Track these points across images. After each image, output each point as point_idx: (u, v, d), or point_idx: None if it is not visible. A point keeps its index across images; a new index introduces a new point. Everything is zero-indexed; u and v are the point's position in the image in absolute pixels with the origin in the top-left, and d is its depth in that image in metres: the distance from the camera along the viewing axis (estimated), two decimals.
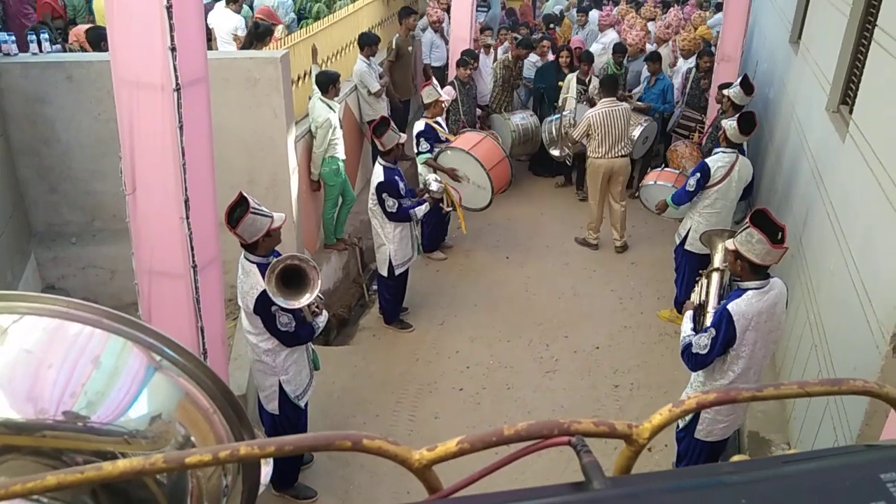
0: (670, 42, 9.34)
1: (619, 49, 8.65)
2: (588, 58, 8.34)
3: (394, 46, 8.57)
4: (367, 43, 7.68)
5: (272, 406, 4.12)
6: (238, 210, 3.59)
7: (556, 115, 8.20)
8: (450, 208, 6.40)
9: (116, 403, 0.91)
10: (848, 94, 5.14)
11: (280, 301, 3.56)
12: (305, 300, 3.57)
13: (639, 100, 8.12)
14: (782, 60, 7.97)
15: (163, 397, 1.00)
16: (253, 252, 3.76)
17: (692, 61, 8.35)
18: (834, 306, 4.31)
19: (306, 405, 4.28)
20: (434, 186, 5.88)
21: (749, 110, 5.75)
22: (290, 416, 4.16)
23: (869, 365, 3.52)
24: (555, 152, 8.24)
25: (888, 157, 3.79)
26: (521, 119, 8.56)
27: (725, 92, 6.45)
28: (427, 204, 5.75)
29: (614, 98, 6.99)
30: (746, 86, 6.31)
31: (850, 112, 4.78)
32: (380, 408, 5.22)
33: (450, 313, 6.35)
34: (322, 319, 4.11)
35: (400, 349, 5.91)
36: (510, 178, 6.95)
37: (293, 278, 3.58)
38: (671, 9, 11.06)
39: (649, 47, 9.24)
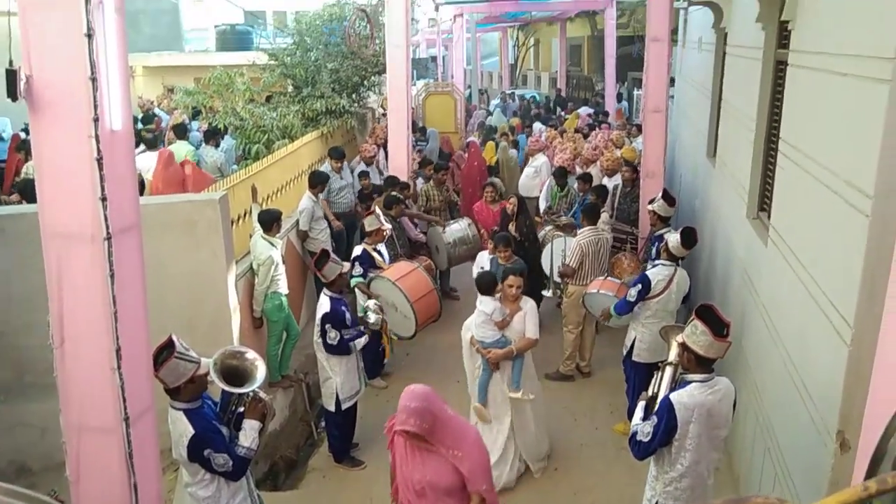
0: (598, 162, 9.85)
1: (560, 173, 9.08)
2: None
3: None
4: (319, 182, 8.05)
5: None
6: (164, 353, 3.52)
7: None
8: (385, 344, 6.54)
9: None
10: (765, 201, 5.44)
11: (225, 387, 3.72)
12: (248, 387, 3.79)
13: (572, 216, 8.40)
14: (703, 173, 8.44)
15: None
16: (176, 398, 3.65)
17: (617, 178, 8.80)
18: (779, 408, 4.35)
19: None
20: (372, 318, 5.86)
21: (691, 226, 5.96)
22: None
23: (820, 464, 3.52)
24: (547, 293, 7.91)
25: (807, 258, 3.97)
26: (459, 229, 8.59)
27: (650, 207, 6.80)
28: (366, 336, 5.71)
29: (595, 226, 6.96)
30: (668, 198, 6.70)
31: (769, 218, 5.04)
32: None
33: None
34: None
35: (352, 489, 5.65)
36: (438, 309, 6.80)
37: (234, 376, 3.79)
38: (596, 131, 11.75)
39: (578, 169, 9.73)
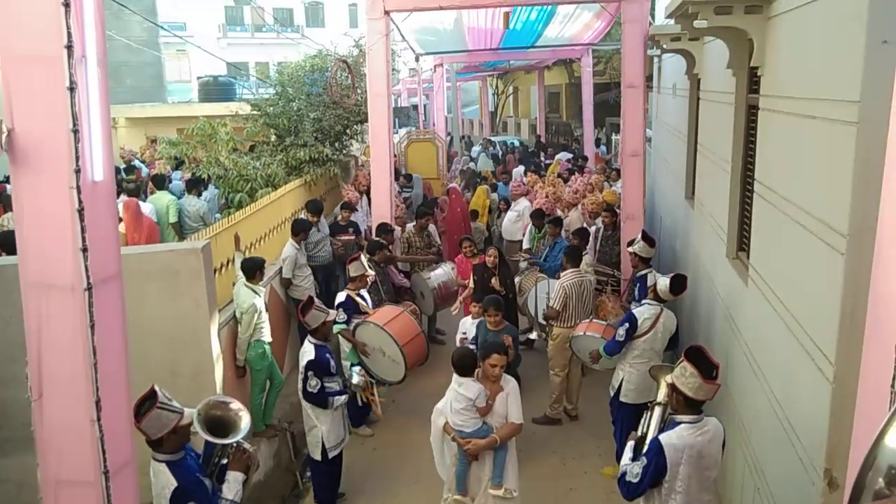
0: (579, 206, 9.98)
1: (537, 215, 9.23)
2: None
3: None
4: (302, 230, 8.05)
5: None
6: (147, 404, 3.46)
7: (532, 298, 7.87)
8: (363, 401, 6.48)
9: None
10: (743, 240, 5.51)
11: (209, 438, 3.64)
12: (233, 438, 3.72)
13: (544, 260, 8.44)
14: (682, 215, 8.56)
15: None
16: (158, 449, 3.58)
17: (600, 221, 8.92)
18: (767, 447, 4.34)
19: None
20: (356, 379, 5.86)
21: (683, 274, 5.98)
22: None
23: (810, 503, 3.50)
24: (533, 336, 7.99)
25: (787, 297, 4.02)
26: (443, 273, 8.57)
27: (630, 249, 6.87)
28: (346, 395, 5.66)
29: (578, 268, 6.99)
30: (647, 239, 6.77)
31: (748, 257, 5.11)
32: None
33: (389, 494, 6.05)
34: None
35: None
36: (426, 352, 6.69)
37: (218, 427, 3.71)
38: (576, 176, 11.92)
39: (558, 212, 9.88)
